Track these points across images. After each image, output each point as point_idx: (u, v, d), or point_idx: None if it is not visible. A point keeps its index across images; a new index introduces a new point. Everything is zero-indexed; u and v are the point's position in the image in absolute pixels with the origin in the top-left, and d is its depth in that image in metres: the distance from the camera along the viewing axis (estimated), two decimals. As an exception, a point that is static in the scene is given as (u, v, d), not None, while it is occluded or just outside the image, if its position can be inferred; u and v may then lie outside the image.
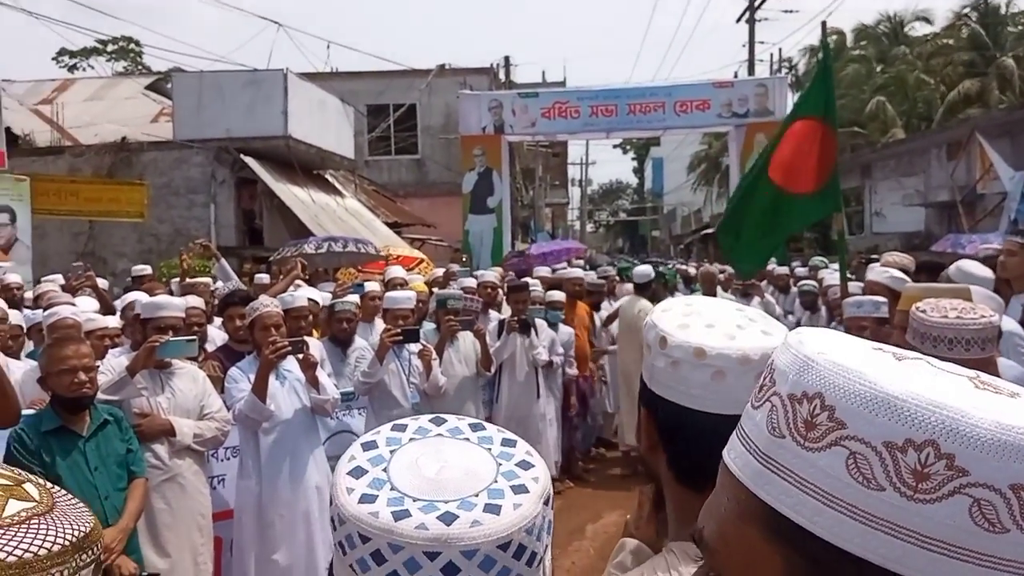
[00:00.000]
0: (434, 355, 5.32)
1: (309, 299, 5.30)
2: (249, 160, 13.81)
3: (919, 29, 29.02)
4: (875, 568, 0.53)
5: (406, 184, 23.00)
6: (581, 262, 14.64)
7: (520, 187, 24.83)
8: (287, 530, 4.18)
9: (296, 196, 14.32)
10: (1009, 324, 3.81)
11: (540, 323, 6.58)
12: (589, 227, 60.66)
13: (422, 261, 12.22)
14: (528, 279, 7.66)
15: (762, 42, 29.39)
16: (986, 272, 4.15)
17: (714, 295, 7.89)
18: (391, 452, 0.82)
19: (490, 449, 0.84)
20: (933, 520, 0.51)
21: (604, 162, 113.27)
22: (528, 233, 27.17)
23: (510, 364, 6.39)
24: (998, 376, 1.95)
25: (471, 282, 7.32)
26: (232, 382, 4.23)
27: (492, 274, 7.45)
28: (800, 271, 10.42)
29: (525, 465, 0.82)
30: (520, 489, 0.78)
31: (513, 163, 19.22)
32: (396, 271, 7.53)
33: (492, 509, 0.75)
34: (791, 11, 27.32)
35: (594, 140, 27.53)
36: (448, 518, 0.73)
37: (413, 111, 23.12)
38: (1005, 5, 24.75)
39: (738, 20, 26.07)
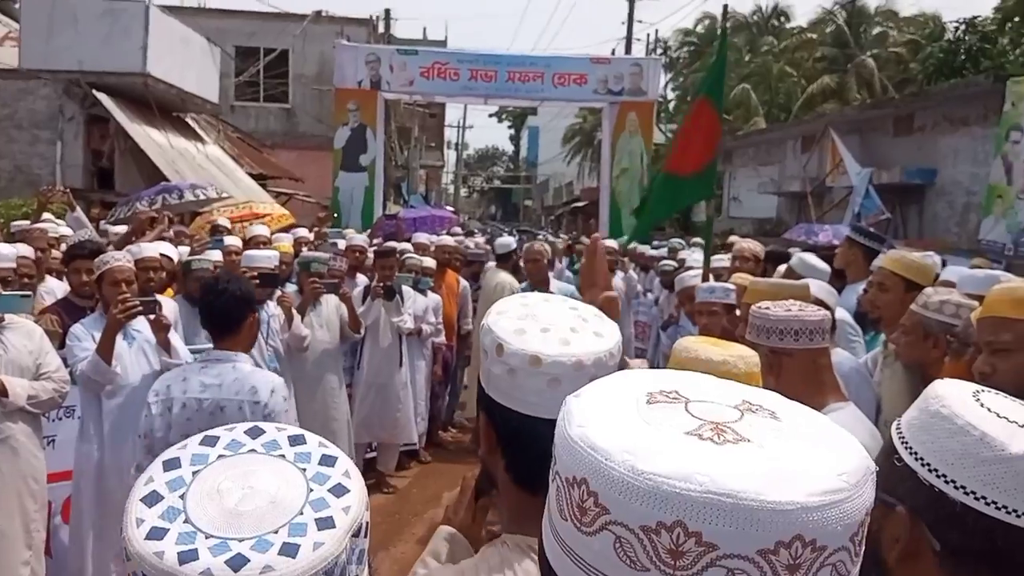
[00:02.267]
0: (295, 302, 5.19)
1: (161, 254, 5.01)
2: (102, 96, 12.82)
3: (787, 21, 30.49)
4: None
5: (274, 134, 22.07)
6: (460, 230, 14.61)
7: (395, 146, 24.38)
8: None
9: (152, 139, 13.46)
10: (841, 314, 4.12)
11: (409, 291, 6.52)
12: (463, 192, 60.56)
13: (270, 215, 11.71)
14: (399, 244, 7.57)
15: (640, 21, 30.05)
16: (823, 265, 4.46)
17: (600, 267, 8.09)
18: (194, 474, 0.77)
19: (305, 470, 0.78)
20: None
21: (481, 127, 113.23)
22: (401, 194, 26.78)
23: (373, 331, 6.30)
24: (829, 365, 2.08)
25: (341, 244, 7.18)
26: (74, 340, 3.93)
27: (361, 237, 7.30)
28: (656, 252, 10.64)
29: (339, 491, 0.77)
30: (326, 524, 0.73)
31: (389, 121, 18.83)
32: (259, 229, 7.25)
33: (289, 551, 0.70)
34: (670, -8, 27.99)
35: (472, 104, 27.39)
36: (238, 562, 0.68)
37: (285, 57, 22.14)
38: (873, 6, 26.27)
39: (619, -3, 26.45)
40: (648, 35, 30.48)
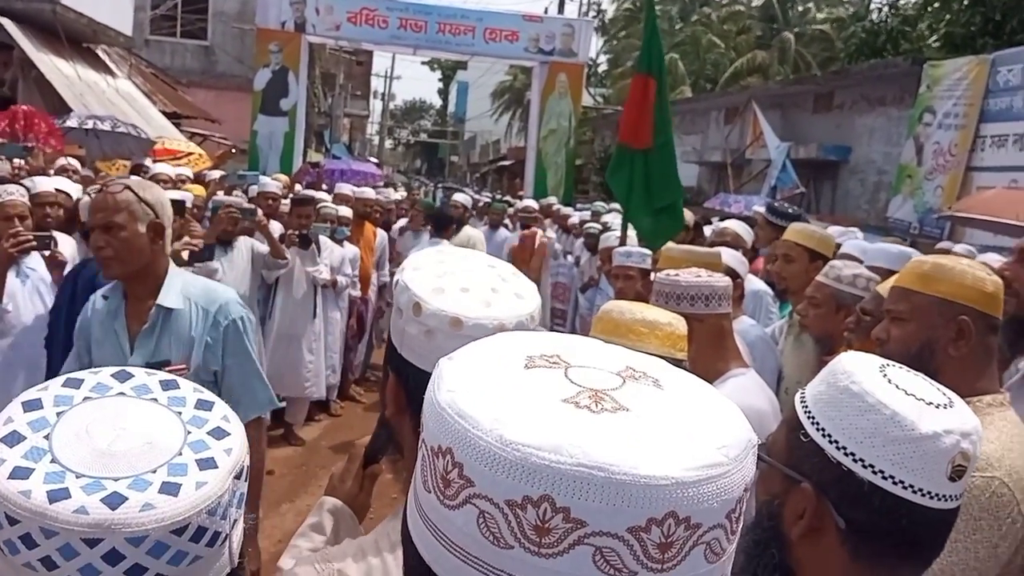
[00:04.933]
0: (66, 259, 4.71)
1: (58, 190, 4.75)
2: (6, 22, 12.00)
3: (719, -6, 30.75)
4: None
5: (190, 72, 21.13)
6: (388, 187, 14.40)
7: (318, 93, 23.70)
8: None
9: (59, 69, 12.70)
10: (760, 285, 4.22)
11: (326, 242, 6.37)
12: (388, 144, 59.52)
13: (191, 154, 11.31)
14: (317, 193, 7.38)
15: (575, -19, 29.83)
16: (894, 248, 4.31)
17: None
18: (58, 415, 0.72)
19: (180, 413, 0.75)
20: (561, 574, 0.52)
21: (410, 78, 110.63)
22: (323, 142, 26.14)
23: (287, 281, 6.14)
24: (732, 331, 2.13)
25: (274, 185, 6.97)
26: (-39, 277, 3.71)
27: (273, 184, 7.07)
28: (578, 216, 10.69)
29: (219, 433, 0.74)
30: (207, 464, 0.70)
31: (312, 66, 18.25)
32: (162, 168, 6.93)
33: (170, 489, 0.67)
34: (606, -48, 27.84)
35: (401, 55, 26.81)
36: (114, 500, 0.65)
37: (206, -8, 21.20)
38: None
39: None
40: (582, -4, 30.17)
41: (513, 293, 1.04)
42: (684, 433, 0.55)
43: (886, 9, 17.35)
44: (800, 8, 27.27)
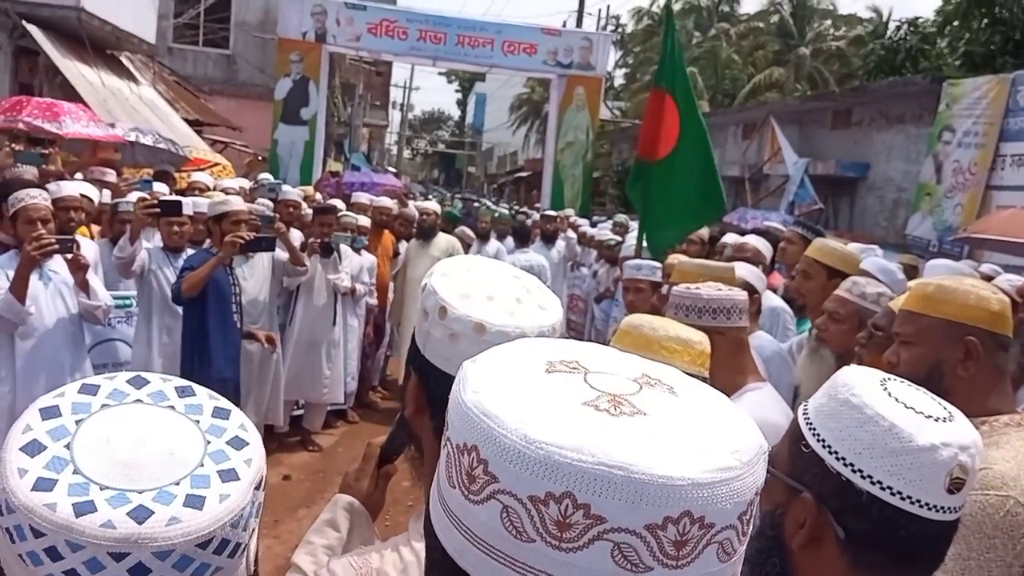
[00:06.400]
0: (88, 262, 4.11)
1: (82, 194, 4.83)
2: (32, 28, 12.17)
3: (737, 8, 30.82)
4: None
5: (212, 80, 21.33)
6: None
7: (338, 102, 23.87)
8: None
9: (84, 76, 12.86)
10: (778, 301, 4.21)
11: (346, 250, 6.43)
12: (407, 154, 59.82)
13: (216, 165, 11.44)
14: (336, 202, 7.45)
15: (594, -5, 29.93)
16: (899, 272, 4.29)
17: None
18: (77, 423, 0.71)
19: (198, 422, 0.74)
20: (580, 567, 0.54)
21: (428, 89, 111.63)
22: (342, 151, 26.28)
23: (308, 288, 6.20)
24: (748, 345, 2.14)
25: (295, 194, 7.04)
26: (-13, 278, 3.77)
27: (294, 192, 7.14)
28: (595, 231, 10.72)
29: (238, 443, 0.74)
30: (229, 476, 0.70)
31: (333, 76, 18.42)
32: (202, 177, 7.07)
33: (194, 502, 0.67)
34: (625, -32, 27.94)
35: (420, 66, 26.97)
36: (141, 514, 0.65)
37: (228, 2, 21.41)
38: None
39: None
40: (600, 10, 30.32)
41: (536, 304, 1.07)
42: (699, 437, 0.57)
43: (905, 27, 17.29)
44: (817, 26, 27.25)
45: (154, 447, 0.70)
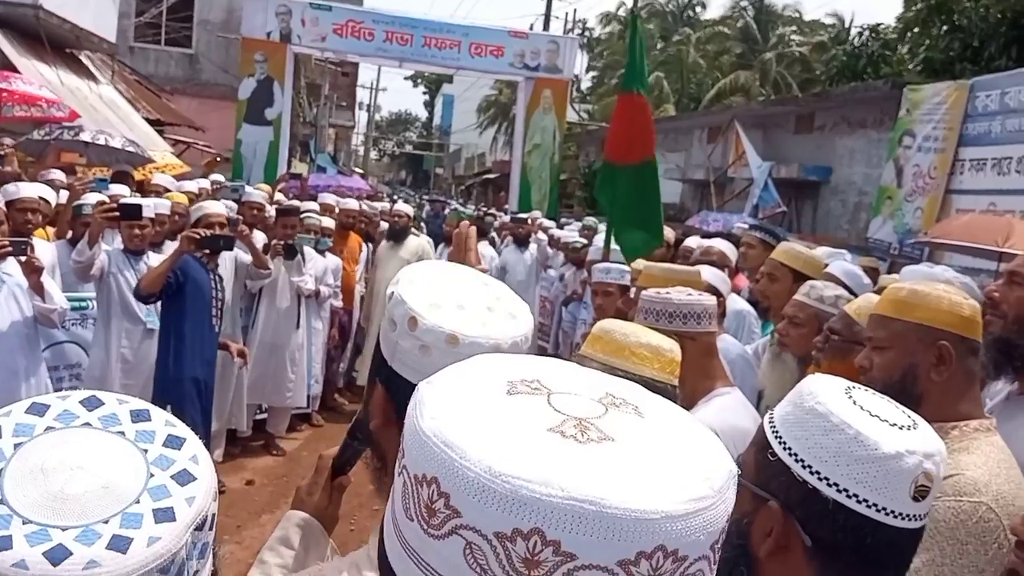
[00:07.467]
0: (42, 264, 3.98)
1: (40, 196, 4.71)
2: (-13, 25, 11.91)
3: (702, 13, 31.13)
4: None
5: (174, 80, 21.00)
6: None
7: (303, 103, 23.65)
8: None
9: (42, 75, 12.57)
10: (740, 303, 4.24)
11: (310, 252, 6.35)
12: (373, 155, 59.44)
13: (168, 164, 11.20)
14: (301, 203, 7.36)
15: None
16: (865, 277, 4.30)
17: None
18: (15, 446, 0.66)
19: (147, 451, 0.69)
20: None
21: (395, 91, 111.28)
22: (308, 152, 26.04)
23: (271, 291, 6.11)
24: (717, 350, 2.13)
25: (259, 195, 6.94)
26: (-63, 282, 3.66)
27: (258, 194, 7.04)
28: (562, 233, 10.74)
29: (183, 478, 0.68)
30: (165, 515, 0.64)
31: (298, 76, 18.21)
32: (161, 178, 6.97)
33: (119, 544, 0.61)
34: (591, -29, 28.10)
35: (387, 67, 26.84)
36: (57, 555, 0.59)
37: (190, 1, 21.11)
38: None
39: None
40: (567, 13, 30.46)
41: (508, 313, 1.03)
42: (669, 464, 0.55)
43: (867, 33, 17.58)
44: (780, 31, 27.63)
45: (90, 479, 0.64)
